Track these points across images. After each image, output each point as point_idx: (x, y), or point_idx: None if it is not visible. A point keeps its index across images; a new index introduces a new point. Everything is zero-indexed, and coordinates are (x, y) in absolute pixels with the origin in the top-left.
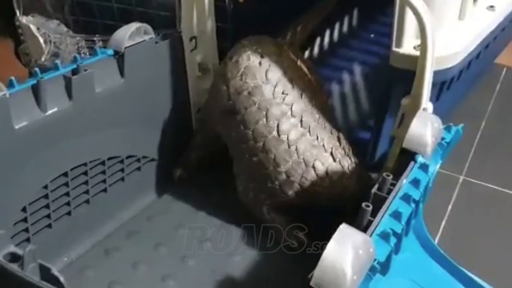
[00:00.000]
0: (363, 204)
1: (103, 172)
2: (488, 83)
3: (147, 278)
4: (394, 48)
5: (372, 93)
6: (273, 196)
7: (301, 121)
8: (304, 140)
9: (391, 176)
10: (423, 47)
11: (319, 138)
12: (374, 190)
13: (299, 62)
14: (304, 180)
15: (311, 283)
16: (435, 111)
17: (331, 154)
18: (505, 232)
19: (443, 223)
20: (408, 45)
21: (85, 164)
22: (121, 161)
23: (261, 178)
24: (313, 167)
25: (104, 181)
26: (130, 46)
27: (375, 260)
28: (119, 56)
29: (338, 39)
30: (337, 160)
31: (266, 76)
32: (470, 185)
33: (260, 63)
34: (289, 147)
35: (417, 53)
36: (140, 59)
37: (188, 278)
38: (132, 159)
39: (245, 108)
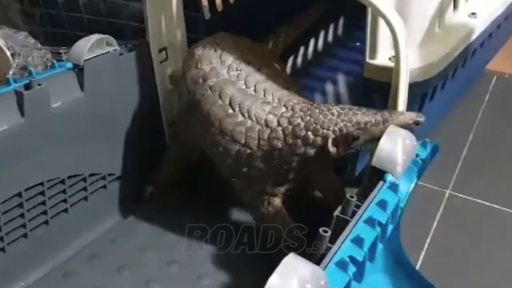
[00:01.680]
0: (320, 230)
1: (63, 192)
2: (477, 92)
3: None
4: (368, 60)
5: (356, 104)
6: (254, 181)
7: (255, 88)
8: (256, 103)
9: (355, 198)
10: (396, 59)
11: (274, 97)
12: (336, 212)
13: (262, 54)
14: (262, 143)
15: None
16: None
17: (284, 105)
18: (493, 249)
19: (428, 240)
20: (383, 56)
21: (41, 184)
22: (84, 180)
23: (233, 167)
24: (265, 121)
25: (64, 201)
26: (90, 58)
27: None
28: (78, 70)
29: (322, 48)
30: (289, 107)
31: (220, 58)
32: (456, 200)
33: (215, 50)
34: (243, 116)
35: (393, 64)
36: (102, 72)
37: None
38: (96, 177)
39: (202, 95)
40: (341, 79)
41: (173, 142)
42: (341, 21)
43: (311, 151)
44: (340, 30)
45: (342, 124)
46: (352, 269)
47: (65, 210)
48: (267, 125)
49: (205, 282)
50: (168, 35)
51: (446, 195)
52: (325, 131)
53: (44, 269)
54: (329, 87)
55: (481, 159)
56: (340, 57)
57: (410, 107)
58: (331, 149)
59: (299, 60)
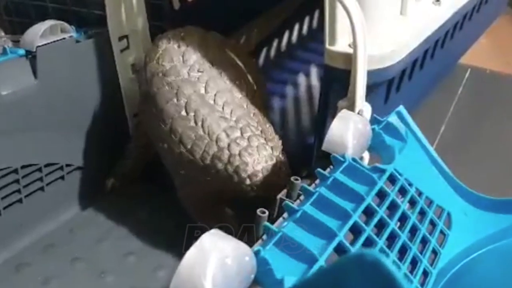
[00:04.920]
0: (258, 211)
1: (17, 182)
2: (450, 85)
3: None
4: (328, 46)
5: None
6: (188, 185)
7: (214, 98)
8: (213, 115)
9: (299, 180)
10: (354, 45)
11: (232, 114)
12: (280, 195)
13: (230, 52)
14: (205, 155)
15: None
16: (385, 115)
17: (241, 129)
18: None
19: None
20: (343, 42)
21: None
22: (39, 170)
23: (175, 168)
24: (217, 139)
25: (18, 191)
26: (44, 45)
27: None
28: (31, 56)
29: (297, 41)
30: (246, 135)
31: (183, 57)
32: None
33: (179, 46)
34: (195, 123)
35: (352, 50)
36: (57, 59)
37: None
38: (52, 167)
39: (158, 88)
40: (313, 71)
41: (136, 134)
42: (316, 14)
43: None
44: (315, 23)
45: None
46: (282, 227)
47: (19, 201)
48: (216, 142)
49: (161, 274)
50: (128, 22)
51: None
52: None
53: None
54: (301, 79)
55: (451, 152)
56: (314, 50)
57: (375, 97)
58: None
59: (272, 52)
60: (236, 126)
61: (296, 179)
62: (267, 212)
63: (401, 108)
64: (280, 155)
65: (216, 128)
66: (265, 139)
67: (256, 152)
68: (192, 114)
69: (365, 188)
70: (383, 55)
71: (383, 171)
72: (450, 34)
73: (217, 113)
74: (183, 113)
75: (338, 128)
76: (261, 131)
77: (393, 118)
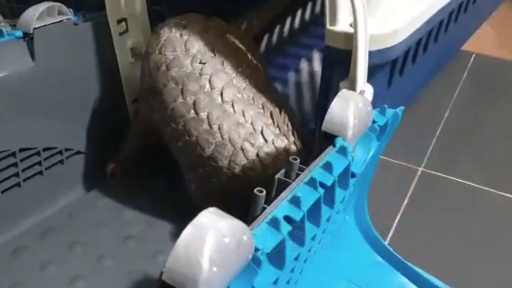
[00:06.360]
0: (255, 190)
1: (15, 165)
2: (454, 70)
3: (53, 280)
4: (328, 26)
5: None
6: (208, 185)
7: (221, 95)
8: (227, 118)
9: (298, 160)
10: (354, 24)
11: (245, 115)
12: (278, 175)
13: (231, 37)
14: (233, 165)
15: (163, 276)
16: (388, 98)
17: (261, 133)
18: (463, 226)
19: (398, 216)
20: (344, 22)
21: None
22: (38, 153)
23: (190, 165)
24: (242, 149)
25: (16, 174)
26: (41, 27)
27: (257, 250)
28: (29, 38)
29: (299, 26)
30: (269, 140)
31: (185, 47)
32: (429, 177)
33: (181, 35)
34: (210, 127)
35: (353, 30)
36: (55, 41)
37: (100, 279)
38: (51, 151)
39: (164, 85)
40: (316, 56)
41: (136, 120)
42: (318, 1)
43: None
44: (318, 8)
45: None
46: (286, 228)
47: (18, 184)
48: (243, 153)
49: (161, 258)
50: (127, 5)
51: (419, 172)
52: None
53: None
54: (303, 65)
55: (455, 137)
56: (317, 35)
57: (378, 80)
58: None
59: (274, 38)
60: (255, 132)
61: (295, 159)
62: (264, 192)
63: (401, 109)
64: (300, 145)
65: (237, 137)
66: (284, 135)
67: (285, 155)
68: (203, 114)
69: (341, 196)
70: (385, 35)
71: (355, 176)
72: (454, 16)
73: (232, 117)
74: (193, 113)
75: (339, 107)
76: (278, 127)
77: (389, 117)
